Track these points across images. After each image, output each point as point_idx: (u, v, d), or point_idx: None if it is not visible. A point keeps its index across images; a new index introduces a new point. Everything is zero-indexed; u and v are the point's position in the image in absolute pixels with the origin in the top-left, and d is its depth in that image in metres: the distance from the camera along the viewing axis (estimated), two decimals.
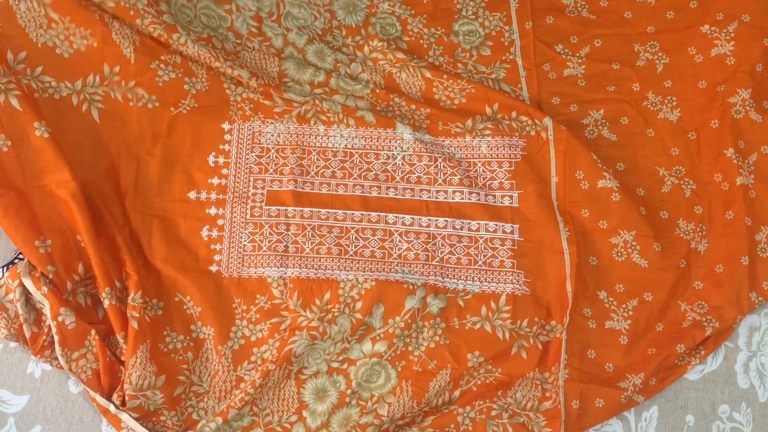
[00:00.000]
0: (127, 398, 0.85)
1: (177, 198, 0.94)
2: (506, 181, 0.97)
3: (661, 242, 0.95)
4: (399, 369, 0.91)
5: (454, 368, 0.91)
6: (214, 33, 0.99)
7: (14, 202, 0.84)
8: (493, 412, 0.91)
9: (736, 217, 0.95)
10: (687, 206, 0.97)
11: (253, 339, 0.91)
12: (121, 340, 0.87)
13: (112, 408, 0.85)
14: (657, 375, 0.93)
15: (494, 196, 0.97)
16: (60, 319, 0.84)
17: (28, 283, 0.85)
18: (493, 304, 0.93)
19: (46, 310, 0.85)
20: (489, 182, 0.97)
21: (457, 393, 0.91)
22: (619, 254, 0.95)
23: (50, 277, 0.85)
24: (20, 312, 0.85)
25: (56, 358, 0.86)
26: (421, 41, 1.05)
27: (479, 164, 0.98)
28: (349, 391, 0.90)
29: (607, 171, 0.96)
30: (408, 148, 0.98)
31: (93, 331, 0.86)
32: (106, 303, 0.86)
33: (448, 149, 0.99)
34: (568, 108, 1.03)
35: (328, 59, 1.02)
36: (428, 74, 1.02)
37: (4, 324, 0.86)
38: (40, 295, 0.84)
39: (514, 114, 1.00)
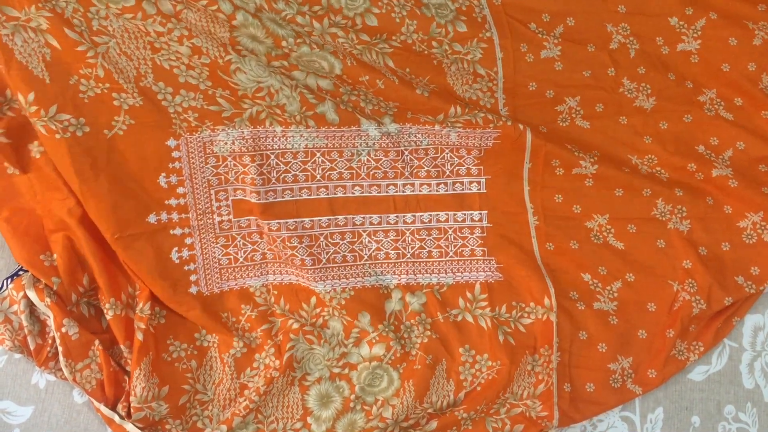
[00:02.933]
0: (132, 410, 0.85)
1: (136, 225, 0.86)
2: (474, 167, 0.96)
3: (635, 223, 0.96)
4: (401, 371, 0.90)
5: (448, 361, 0.91)
6: None
7: (24, 221, 0.86)
8: (492, 410, 0.91)
9: (716, 204, 0.97)
10: (669, 188, 0.97)
11: (253, 346, 0.90)
12: (125, 350, 0.87)
13: (116, 418, 0.85)
14: (653, 365, 0.93)
15: (462, 183, 0.96)
16: (63, 329, 0.84)
17: (32, 295, 0.85)
18: (469, 294, 0.93)
19: (50, 322, 0.85)
20: (456, 168, 0.96)
21: (462, 395, 0.91)
22: (596, 237, 0.96)
23: (54, 288, 0.85)
24: (24, 323, 0.85)
25: (60, 369, 0.86)
26: (392, 14, 0.98)
27: (447, 150, 0.95)
28: (353, 396, 0.90)
29: (584, 158, 0.96)
30: (374, 144, 0.93)
31: (97, 342, 0.86)
32: (109, 314, 0.86)
33: (416, 136, 0.94)
34: (545, 94, 1.01)
35: (287, 26, 0.93)
36: (391, 64, 0.97)
37: (9, 336, 0.86)
38: (43, 307, 0.85)
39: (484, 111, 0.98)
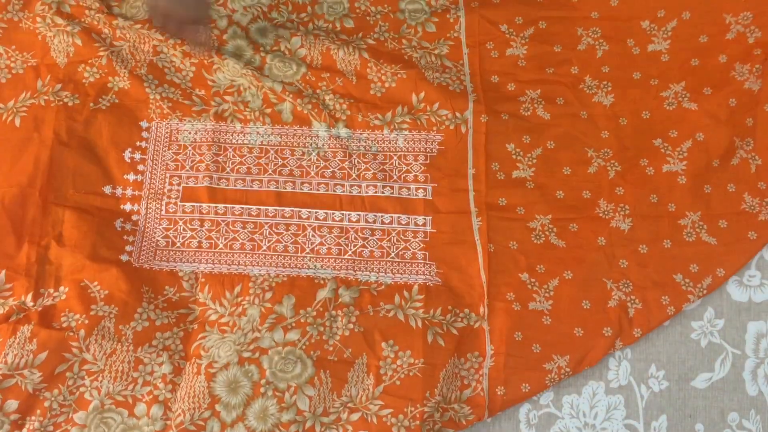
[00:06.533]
0: (1, 377, 0.83)
1: (92, 191, 0.94)
2: (421, 174, 0.98)
3: (577, 223, 0.95)
4: (314, 358, 0.89)
5: (369, 356, 0.90)
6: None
7: None
8: (426, 415, 0.86)
9: (660, 201, 0.96)
10: (609, 187, 0.97)
11: (157, 323, 0.89)
12: None
13: None
14: (591, 363, 0.92)
15: (408, 189, 0.98)
16: None
17: None
18: (406, 293, 0.93)
19: None
20: (404, 175, 0.98)
21: (380, 388, 0.89)
22: (538, 237, 0.95)
23: None
24: None
25: None
26: (367, 17, 1.05)
27: (395, 157, 0.99)
28: (263, 381, 0.87)
29: (522, 161, 0.99)
30: (323, 145, 0.99)
31: None
32: None
33: (365, 143, 0.99)
34: (506, 87, 1.03)
35: (270, 35, 1.02)
36: (366, 55, 1.02)
37: None
38: None
39: (435, 106, 1.00)
